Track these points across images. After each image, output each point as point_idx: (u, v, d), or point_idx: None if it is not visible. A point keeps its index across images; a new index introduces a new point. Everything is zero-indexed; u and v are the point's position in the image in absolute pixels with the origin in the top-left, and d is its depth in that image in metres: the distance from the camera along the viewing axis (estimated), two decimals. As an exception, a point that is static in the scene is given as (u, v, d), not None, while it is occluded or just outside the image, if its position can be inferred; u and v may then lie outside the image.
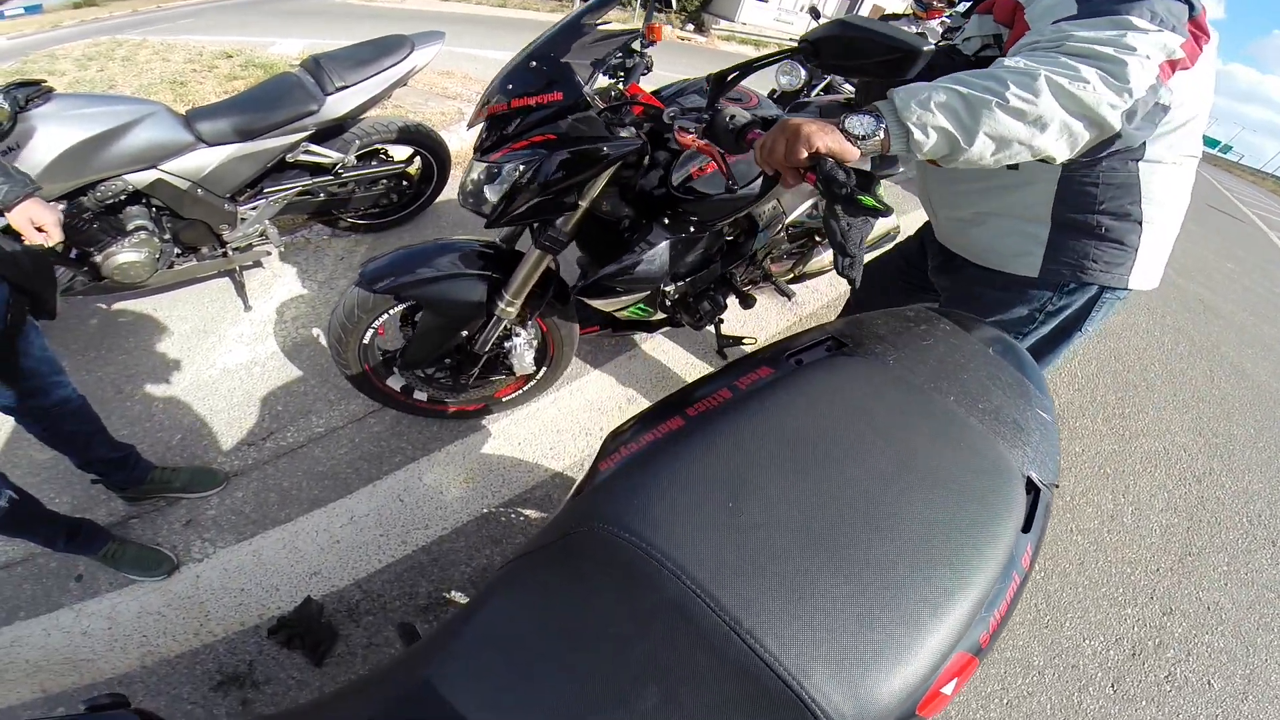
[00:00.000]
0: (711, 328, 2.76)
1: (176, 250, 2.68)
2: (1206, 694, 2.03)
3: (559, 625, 0.72)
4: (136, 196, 2.54)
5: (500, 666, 0.70)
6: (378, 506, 2.16)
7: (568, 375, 2.65)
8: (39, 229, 1.50)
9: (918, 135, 0.98)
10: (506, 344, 2.07)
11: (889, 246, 2.22)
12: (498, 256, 1.95)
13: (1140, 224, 1.29)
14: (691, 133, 1.57)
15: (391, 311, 2.00)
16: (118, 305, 2.80)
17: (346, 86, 2.75)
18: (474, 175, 1.73)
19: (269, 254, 2.98)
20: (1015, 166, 1.30)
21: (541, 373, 2.33)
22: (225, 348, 2.68)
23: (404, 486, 2.23)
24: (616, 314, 2.18)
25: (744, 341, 2.78)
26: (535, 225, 1.87)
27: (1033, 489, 0.87)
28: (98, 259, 2.47)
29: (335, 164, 2.89)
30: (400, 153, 3.23)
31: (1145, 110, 0.98)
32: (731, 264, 2.26)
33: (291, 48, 6.63)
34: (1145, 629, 2.16)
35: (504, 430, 2.44)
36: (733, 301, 2.39)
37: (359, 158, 3.02)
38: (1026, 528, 0.83)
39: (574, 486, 0.97)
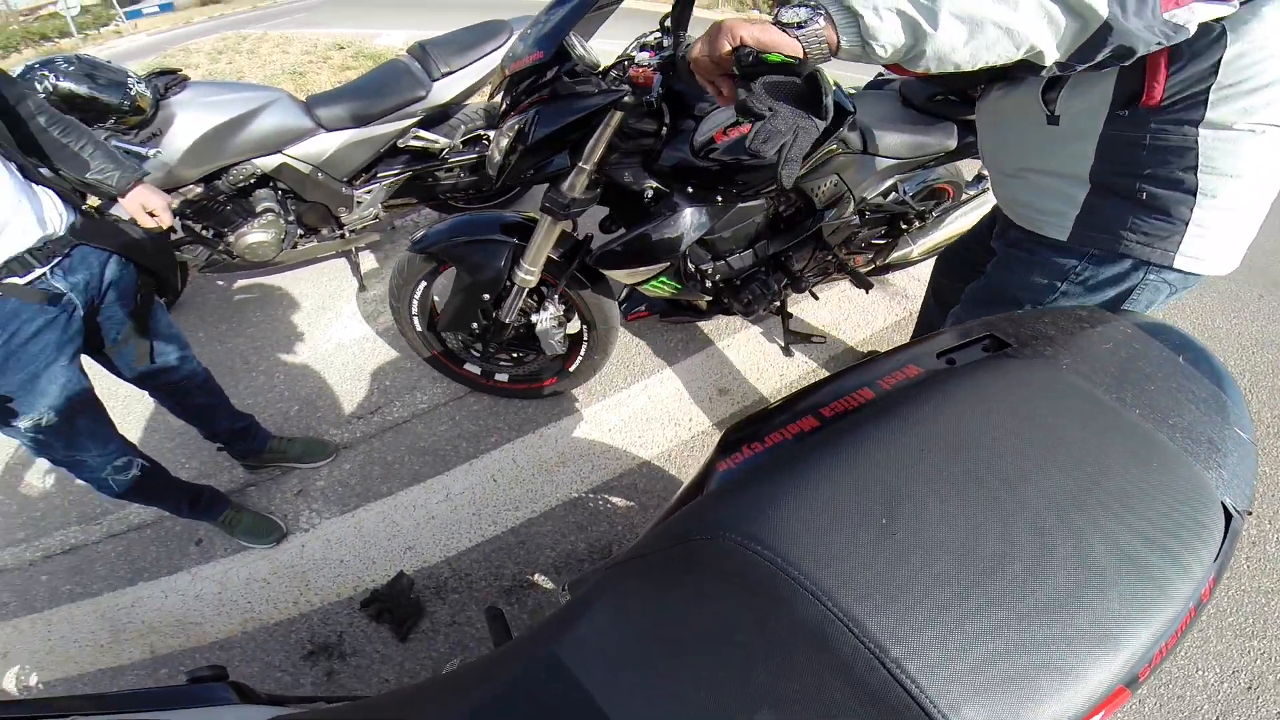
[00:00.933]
0: (779, 320, 2.56)
1: (299, 231, 2.80)
2: (1323, 737, 1.75)
3: (675, 635, 0.66)
4: (264, 180, 2.67)
5: (605, 672, 0.65)
6: (472, 485, 2.18)
7: (656, 365, 2.58)
8: (150, 214, 1.56)
9: (869, 19, 0.81)
10: (533, 317, 2.05)
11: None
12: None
13: (1194, 194, 1.08)
14: (645, 66, 1.45)
15: (429, 278, 2.08)
16: (247, 281, 2.97)
17: (451, 72, 2.77)
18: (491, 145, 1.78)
19: (381, 236, 3.07)
20: (1055, 120, 1.13)
21: (584, 349, 2.27)
22: (341, 324, 2.80)
23: (498, 467, 2.24)
24: (640, 288, 2.07)
25: (813, 338, 2.57)
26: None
27: (1226, 516, 0.74)
28: (231, 239, 2.61)
29: (443, 149, 2.92)
30: (506, 136, 3.23)
31: (1145, 16, 0.81)
32: (785, 245, 2.08)
33: (397, 38, 6.88)
34: (1268, 663, 1.89)
35: (595, 415, 2.40)
36: (827, 296, 2.22)
37: (464, 143, 3.04)
38: (1214, 556, 0.71)
39: (685, 485, 0.89)
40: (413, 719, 0.74)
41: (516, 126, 1.67)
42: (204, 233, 2.62)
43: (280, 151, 2.62)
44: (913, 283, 3.14)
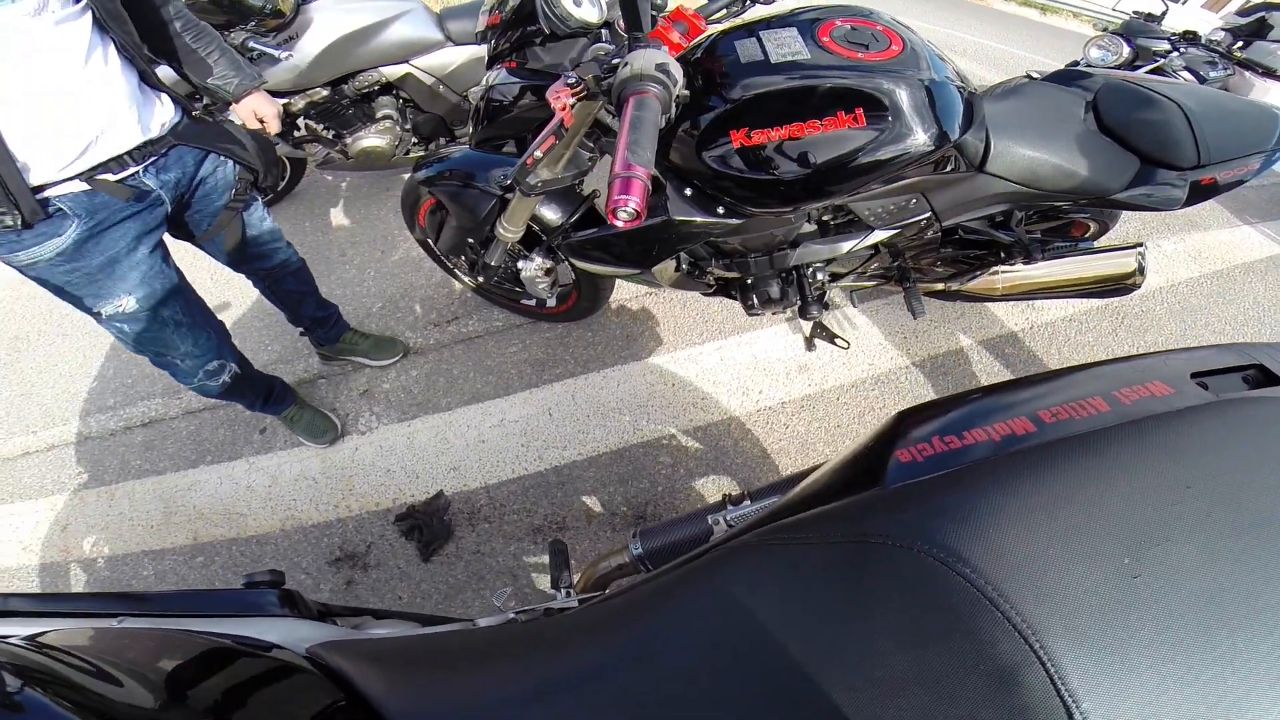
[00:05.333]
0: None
1: (414, 139, 2.66)
2: None
3: (820, 637, 0.53)
4: (388, 88, 2.52)
5: (733, 655, 0.54)
6: (528, 415, 1.98)
7: (737, 327, 2.24)
8: (260, 120, 1.49)
9: None
10: (520, 263, 1.77)
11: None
12: None
13: None
14: (574, 85, 1.01)
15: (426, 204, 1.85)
16: (360, 180, 2.86)
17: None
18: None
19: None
20: None
21: (574, 300, 2.03)
22: (439, 234, 2.66)
23: (556, 400, 2.03)
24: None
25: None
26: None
27: None
28: (348, 140, 2.50)
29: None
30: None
31: None
32: (817, 260, 1.56)
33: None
34: None
35: (662, 366, 2.13)
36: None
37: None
38: None
39: (841, 460, 0.70)
40: (510, 670, 0.65)
41: (486, 85, 1.40)
42: (325, 133, 2.52)
43: (407, 62, 2.46)
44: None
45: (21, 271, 1.19)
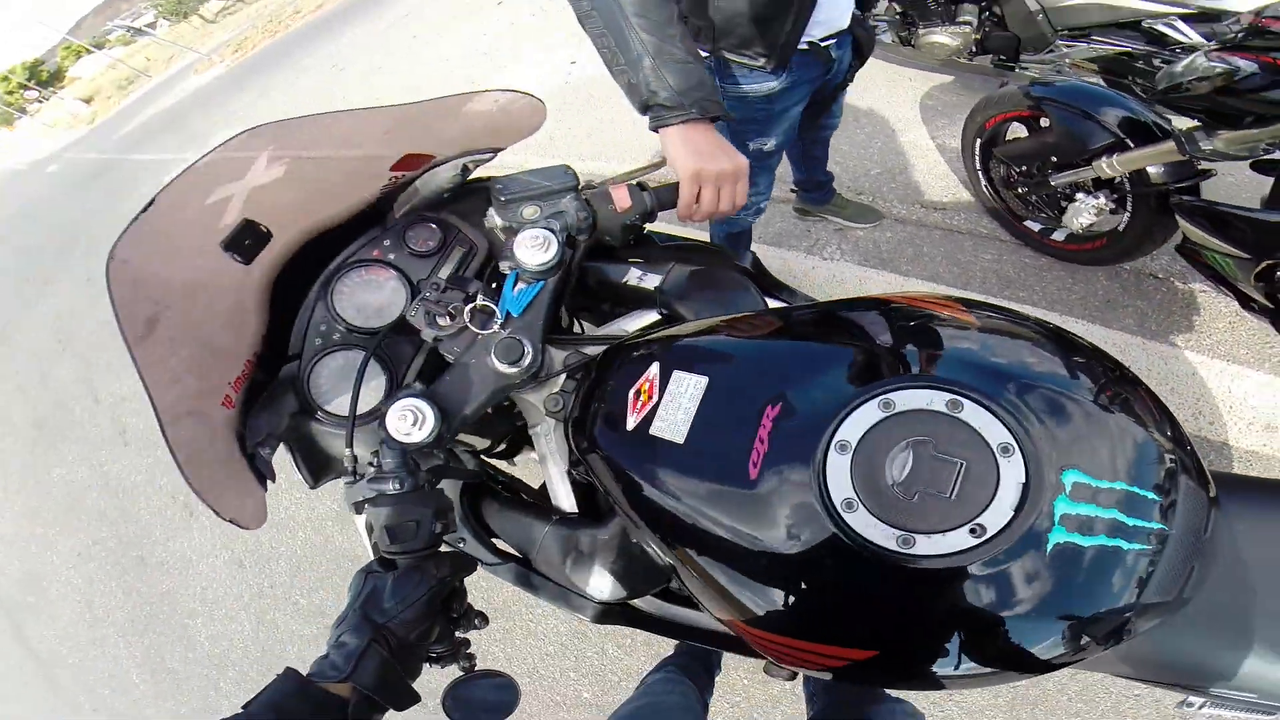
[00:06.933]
0: None
1: (974, 50, 2.59)
2: None
3: None
4: (981, -6, 2.48)
5: None
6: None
7: (1231, 355, 1.75)
8: None
9: None
10: (1078, 194, 1.68)
11: None
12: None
13: None
14: None
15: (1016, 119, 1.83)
16: (889, 65, 2.87)
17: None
18: None
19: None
20: None
21: (1104, 243, 1.82)
22: (953, 131, 2.57)
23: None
24: (1198, 249, 1.49)
25: None
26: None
27: None
28: (920, 32, 2.55)
29: (1187, 46, 2.25)
30: None
31: None
32: None
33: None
34: None
35: (1120, 344, 1.80)
36: None
37: (1218, 50, 2.30)
38: None
39: None
40: None
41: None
42: (899, 17, 2.61)
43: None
44: None
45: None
